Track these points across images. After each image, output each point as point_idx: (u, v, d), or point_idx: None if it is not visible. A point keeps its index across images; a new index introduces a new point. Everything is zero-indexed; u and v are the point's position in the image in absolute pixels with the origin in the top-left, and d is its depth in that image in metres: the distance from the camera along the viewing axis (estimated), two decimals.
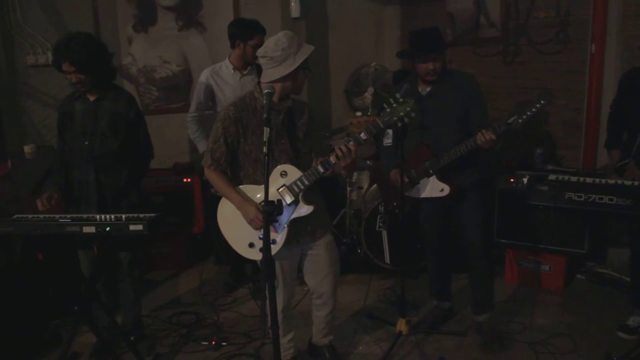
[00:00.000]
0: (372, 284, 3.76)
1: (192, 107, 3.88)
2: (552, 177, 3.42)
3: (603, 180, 3.14)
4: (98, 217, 2.58)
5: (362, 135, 2.51)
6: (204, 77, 3.82)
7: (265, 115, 2.21)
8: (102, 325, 2.92)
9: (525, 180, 3.80)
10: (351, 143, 2.50)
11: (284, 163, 2.57)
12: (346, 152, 2.48)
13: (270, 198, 2.20)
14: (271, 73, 2.50)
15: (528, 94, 4.22)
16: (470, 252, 3.15)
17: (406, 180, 3.03)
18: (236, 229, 2.61)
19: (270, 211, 2.13)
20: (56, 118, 3.07)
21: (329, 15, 5.15)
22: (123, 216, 2.56)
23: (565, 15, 4.07)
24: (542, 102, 2.77)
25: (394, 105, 2.53)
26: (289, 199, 2.54)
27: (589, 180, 3.21)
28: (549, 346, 3.09)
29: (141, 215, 2.56)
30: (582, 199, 3.18)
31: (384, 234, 4.03)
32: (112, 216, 2.57)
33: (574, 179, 3.29)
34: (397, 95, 2.54)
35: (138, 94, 4.78)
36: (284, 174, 2.55)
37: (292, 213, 2.56)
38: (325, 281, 2.81)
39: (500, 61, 4.55)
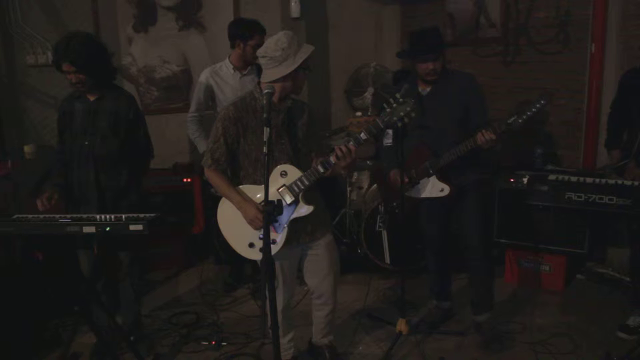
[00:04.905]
0: (372, 284, 3.77)
1: (192, 107, 3.87)
2: (552, 177, 3.42)
3: (603, 180, 3.14)
4: (98, 217, 2.58)
5: (362, 135, 2.51)
6: (203, 77, 3.82)
7: (265, 115, 2.22)
8: (102, 325, 2.92)
9: (525, 180, 3.81)
10: (351, 143, 2.50)
11: (284, 163, 2.57)
12: (346, 152, 2.48)
13: (270, 198, 2.20)
14: (271, 73, 2.50)
15: (528, 94, 4.22)
16: (470, 252, 3.15)
17: (406, 180, 3.03)
18: (236, 229, 2.61)
19: (270, 211, 2.13)
20: (56, 118, 3.07)
21: (328, 15, 5.15)
22: (123, 216, 2.56)
23: (565, 15, 4.08)
24: (542, 102, 2.77)
25: (394, 105, 2.53)
26: (289, 199, 2.54)
27: (589, 180, 3.21)
28: (549, 346, 3.09)
29: (141, 215, 2.56)
30: (582, 199, 3.17)
31: (384, 234, 4.02)
32: (112, 216, 2.57)
33: (574, 179, 3.29)
34: (397, 95, 2.54)
35: (138, 94, 4.78)
36: (284, 174, 2.55)
37: (292, 213, 2.56)
38: (325, 281, 2.81)
39: (500, 61, 4.55)
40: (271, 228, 2.35)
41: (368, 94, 4.83)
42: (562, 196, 3.26)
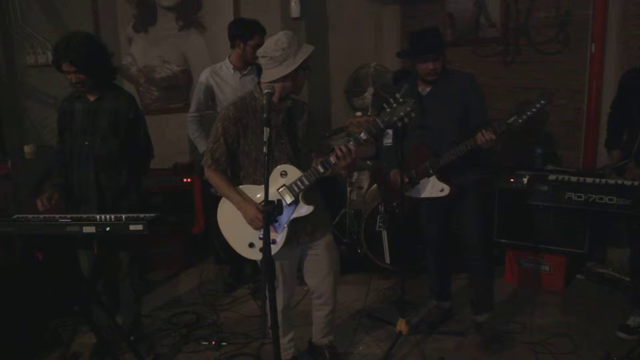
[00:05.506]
0: (372, 284, 3.77)
1: (192, 107, 3.87)
2: (552, 177, 3.42)
3: (603, 180, 3.14)
4: (98, 217, 2.58)
5: (362, 135, 2.51)
6: (203, 77, 3.82)
7: (265, 115, 2.22)
8: (102, 325, 2.92)
9: (525, 180, 3.81)
10: (351, 143, 2.50)
11: (284, 163, 2.57)
12: (346, 152, 2.48)
13: (270, 198, 2.20)
14: (271, 73, 2.50)
15: (528, 94, 4.22)
16: (470, 252, 3.15)
17: (406, 180, 3.03)
18: (236, 229, 2.61)
19: (270, 211, 2.13)
20: (56, 118, 3.07)
21: (328, 15, 5.15)
22: (123, 216, 2.56)
23: (565, 15, 4.08)
24: (542, 102, 2.77)
25: (394, 105, 2.53)
26: (289, 199, 2.54)
27: (589, 180, 3.21)
28: (549, 346, 3.09)
29: (141, 215, 2.56)
30: (582, 199, 3.17)
31: (384, 234, 4.02)
32: (112, 216, 2.57)
33: (574, 179, 3.29)
34: (397, 95, 2.54)
35: (138, 94, 4.78)
36: (284, 174, 2.55)
37: (292, 213, 2.56)
38: (325, 281, 2.81)
39: (500, 61, 4.55)
40: (271, 228, 2.35)
41: (368, 94, 4.83)
42: (562, 196, 3.26)
